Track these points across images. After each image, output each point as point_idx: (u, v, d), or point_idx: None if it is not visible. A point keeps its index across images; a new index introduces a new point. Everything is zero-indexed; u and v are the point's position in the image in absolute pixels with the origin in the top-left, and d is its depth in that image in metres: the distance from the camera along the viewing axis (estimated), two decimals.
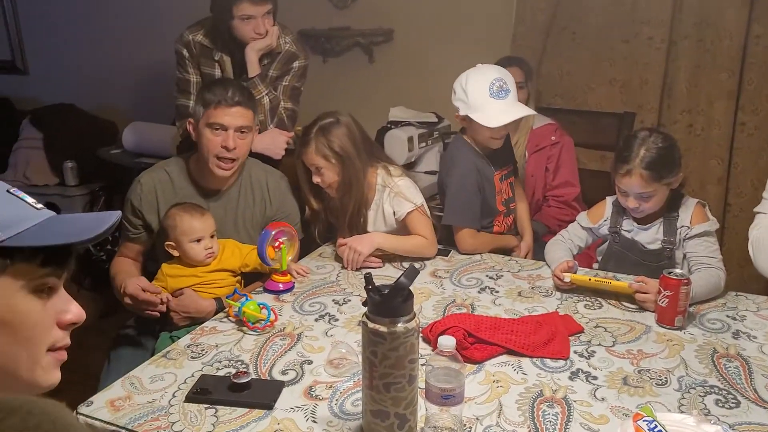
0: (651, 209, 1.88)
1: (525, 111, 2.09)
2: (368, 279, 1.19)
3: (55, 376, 0.83)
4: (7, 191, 0.79)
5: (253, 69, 2.32)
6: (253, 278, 1.99)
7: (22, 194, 0.80)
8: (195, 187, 2.01)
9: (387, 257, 2.05)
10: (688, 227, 1.87)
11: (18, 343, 0.78)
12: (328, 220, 2.17)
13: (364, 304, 1.19)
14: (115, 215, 0.84)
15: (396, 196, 2.05)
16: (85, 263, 3.72)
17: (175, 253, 1.90)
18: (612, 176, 1.92)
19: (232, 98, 1.88)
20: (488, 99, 2.02)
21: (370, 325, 1.16)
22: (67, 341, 0.84)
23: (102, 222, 0.81)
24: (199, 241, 1.87)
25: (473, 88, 2.04)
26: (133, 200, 1.98)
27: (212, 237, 1.91)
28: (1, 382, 0.80)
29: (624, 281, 1.80)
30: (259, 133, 2.37)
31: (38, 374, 0.81)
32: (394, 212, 2.07)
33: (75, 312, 0.83)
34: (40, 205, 0.81)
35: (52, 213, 0.82)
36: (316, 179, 2.03)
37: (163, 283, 1.90)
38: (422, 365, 1.29)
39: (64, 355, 0.84)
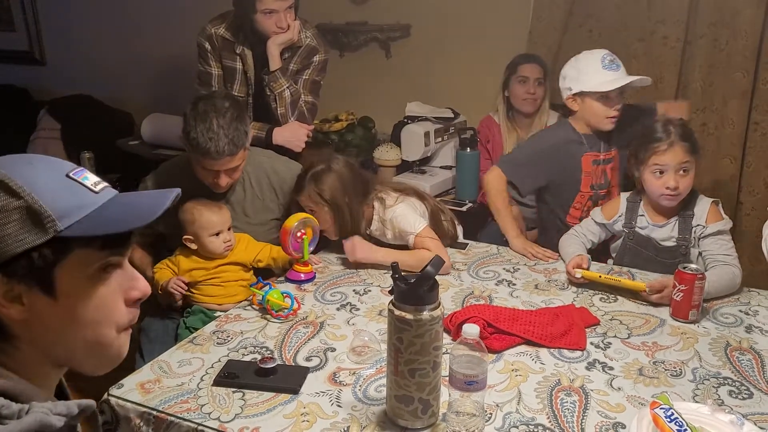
0: (685, 191, 1.91)
1: (639, 77, 2.14)
2: (395, 268, 1.23)
3: (125, 350, 0.85)
4: (67, 175, 0.79)
5: (275, 63, 2.36)
6: (265, 273, 2.02)
7: (83, 176, 0.80)
8: (200, 186, 2.00)
9: None
10: (703, 226, 1.90)
11: (87, 327, 0.79)
12: None
13: (391, 292, 1.23)
14: (173, 192, 0.85)
15: (397, 230, 2.01)
16: None
17: (193, 247, 1.93)
18: (636, 169, 1.96)
19: (221, 152, 1.83)
20: (601, 71, 2.10)
21: (397, 312, 1.20)
22: (135, 316, 0.85)
23: (159, 203, 0.82)
24: (218, 234, 1.91)
25: (586, 63, 2.13)
26: None
27: (229, 229, 1.95)
28: (75, 362, 0.82)
29: (638, 281, 1.84)
30: (280, 126, 2.43)
31: (110, 354, 0.83)
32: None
33: (140, 288, 0.84)
34: (100, 186, 0.81)
35: (112, 193, 0.83)
36: None
37: (175, 269, 1.96)
38: (443, 354, 1.32)
39: (129, 330, 0.86)
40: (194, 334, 1.63)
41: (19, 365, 0.78)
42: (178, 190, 0.86)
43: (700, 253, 1.92)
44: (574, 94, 2.15)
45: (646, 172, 1.92)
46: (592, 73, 2.10)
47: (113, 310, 0.82)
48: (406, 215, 2.00)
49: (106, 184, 0.83)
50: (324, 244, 2.16)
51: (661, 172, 1.89)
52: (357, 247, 1.96)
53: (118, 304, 0.82)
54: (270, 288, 1.72)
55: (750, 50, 2.70)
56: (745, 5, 2.67)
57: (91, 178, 0.81)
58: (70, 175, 0.80)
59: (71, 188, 0.79)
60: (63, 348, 0.80)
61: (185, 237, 1.93)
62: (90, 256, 0.78)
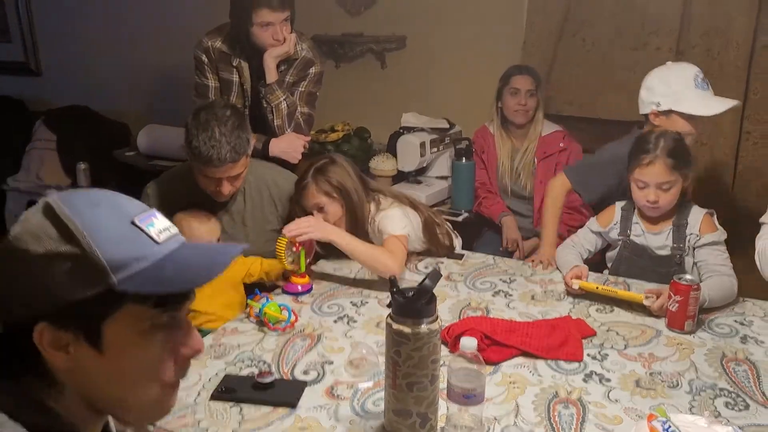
0: (668, 205, 1.91)
1: (732, 102, 2.09)
2: (393, 282, 1.24)
3: (171, 404, 0.81)
4: (132, 222, 0.75)
5: (272, 75, 2.37)
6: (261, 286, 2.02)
7: (148, 222, 0.76)
8: (200, 195, 2.00)
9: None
10: (697, 235, 1.91)
11: (131, 382, 0.76)
12: None
13: (389, 305, 1.24)
14: (237, 249, 0.81)
15: (377, 229, 2.00)
16: None
17: None
18: (627, 175, 1.96)
19: (223, 159, 1.84)
20: (694, 90, 2.04)
21: (395, 326, 1.21)
22: (184, 374, 0.80)
23: (220, 261, 0.78)
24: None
25: (677, 80, 2.07)
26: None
27: (218, 240, 1.95)
28: (118, 414, 0.80)
29: (635, 291, 1.85)
30: (277, 137, 2.43)
31: (153, 409, 0.79)
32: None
33: (193, 346, 0.80)
34: (164, 236, 0.76)
35: (176, 243, 0.78)
36: None
37: None
38: (441, 366, 1.33)
39: (177, 384, 0.81)
40: None
41: (64, 409, 0.75)
42: (244, 246, 0.83)
43: (695, 264, 1.93)
44: (661, 111, 2.11)
45: (632, 182, 1.94)
46: (685, 92, 2.05)
47: (161, 368, 0.77)
48: (393, 218, 1.99)
49: (172, 232, 0.78)
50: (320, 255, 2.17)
51: (643, 186, 1.90)
52: (324, 228, 1.90)
53: (167, 362, 0.77)
54: (267, 300, 1.72)
55: (742, 60, 2.73)
56: (737, 15, 2.70)
57: (157, 225, 0.77)
58: (136, 221, 0.75)
59: (133, 237, 0.74)
60: (106, 400, 0.77)
61: None
62: (143, 313, 0.74)
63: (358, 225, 2.01)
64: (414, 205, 2.13)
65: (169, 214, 2.02)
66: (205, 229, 1.92)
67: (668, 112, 2.09)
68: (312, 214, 1.98)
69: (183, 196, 2.01)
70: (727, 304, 1.81)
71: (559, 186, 2.26)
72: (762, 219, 1.97)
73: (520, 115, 2.80)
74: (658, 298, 1.72)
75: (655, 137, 1.91)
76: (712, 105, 2.06)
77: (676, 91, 2.07)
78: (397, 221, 1.99)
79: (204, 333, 1.82)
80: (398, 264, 1.89)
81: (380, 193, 2.08)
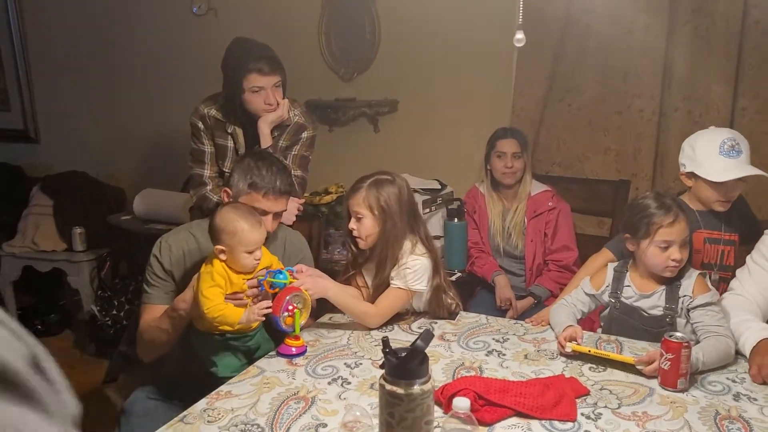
0: (685, 261, 1.93)
1: (753, 170, 2.02)
2: (385, 342, 1.26)
3: None
4: None
5: (266, 141, 2.43)
6: None
7: None
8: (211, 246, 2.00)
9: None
10: (691, 297, 1.92)
11: None
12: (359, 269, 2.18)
13: (382, 366, 1.25)
14: None
15: (400, 269, 2.05)
16: (90, 329, 3.75)
17: (222, 257, 1.86)
18: (635, 243, 1.97)
19: (280, 189, 1.98)
20: (717, 156, 2.03)
21: (388, 387, 1.22)
22: None
23: None
24: (251, 252, 1.86)
25: (703, 144, 2.08)
26: (163, 261, 2.00)
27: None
28: None
29: (627, 352, 1.86)
30: None
31: None
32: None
33: None
34: None
35: None
36: (352, 225, 2.06)
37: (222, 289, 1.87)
38: (435, 428, 1.33)
39: None
40: (184, 413, 1.62)
41: None
42: None
43: (690, 324, 1.92)
44: (687, 172, 2.13)
45: (651, 247, 1.93)
46: (706, 156, 2.05)
47: None
48: (416, 271, 2.04)
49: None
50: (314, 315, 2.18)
51: (667, 246, 1.91)
52: (320, 284, 1.96)
53: None
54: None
55: (722, 122, 2.82)
56: (714, 81, 2.82)
57: None
58: None
59: None
60: None
61: (217, 247, 1.85)
62: None
63: (387, 249, 2.04)
64: (437, 266, 2.14)
65: (185, 260, 2.00)
66: (258, 237, 1.86)
67: (694, 175, 2.11)
68: (351, 217, 2.06)
69: (194, 243, 2.03)
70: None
71: (602, 261, 2.21)
72: (738, 272, 2.01)
73: (507, 176, 2.87)
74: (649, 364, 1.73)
75: (659, 199, 1.93)
76: (725, 172, 2.02)
77: (699, 154, 2.08)
78: (415, 277, 2.04)
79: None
80: (379, 323, 2.07)
81: (426, 237, 2.11)
